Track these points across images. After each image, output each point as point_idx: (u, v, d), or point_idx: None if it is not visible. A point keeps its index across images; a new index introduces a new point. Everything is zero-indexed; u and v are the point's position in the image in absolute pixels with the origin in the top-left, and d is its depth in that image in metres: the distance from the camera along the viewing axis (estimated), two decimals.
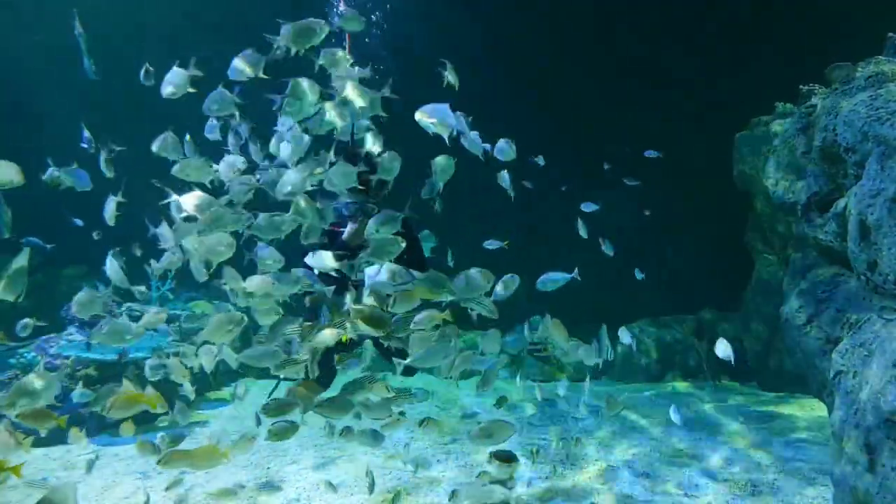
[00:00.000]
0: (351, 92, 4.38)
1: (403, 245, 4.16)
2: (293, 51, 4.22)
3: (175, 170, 4.34)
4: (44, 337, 7.67)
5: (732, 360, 5.60)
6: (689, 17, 10.25)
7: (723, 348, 5.66)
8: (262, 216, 4.19)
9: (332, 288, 4.56)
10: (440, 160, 4.66)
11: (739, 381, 9.55)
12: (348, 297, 4.25)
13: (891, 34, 5.83)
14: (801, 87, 7.03)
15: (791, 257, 6.63)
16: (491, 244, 6.25)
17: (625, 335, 6.36)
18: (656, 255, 10.46)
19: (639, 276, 7.95)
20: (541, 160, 7.46)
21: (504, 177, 5.78)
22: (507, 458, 5.02)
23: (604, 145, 10.25)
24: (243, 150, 4.93)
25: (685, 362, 10.09)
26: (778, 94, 8.55)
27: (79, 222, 6.71)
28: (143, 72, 4.73)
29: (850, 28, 7.93)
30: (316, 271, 4.64)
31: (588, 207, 7.48)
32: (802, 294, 5.71)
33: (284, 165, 4.46)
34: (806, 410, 7.84)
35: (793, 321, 5.76)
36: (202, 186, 4.37)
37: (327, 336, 4.19)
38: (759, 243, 9.42)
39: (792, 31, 9.44)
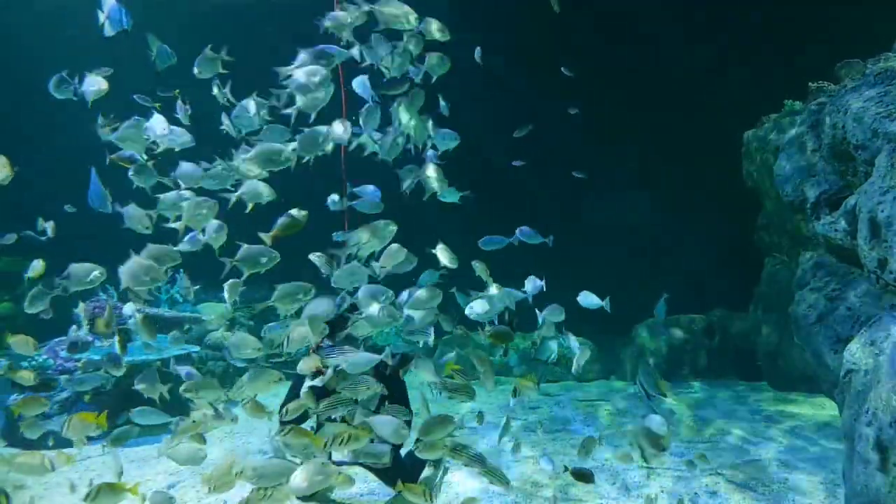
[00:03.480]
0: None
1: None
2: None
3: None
4: (55, 339, 7.72)
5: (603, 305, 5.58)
6: (698, 14, 10.20)
7: (585, 298, 5.65)
8: None
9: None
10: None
11: (750, 380, 9.49)
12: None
13: None
14: (810, 84, 7.00)
15: (800, 256, 6.60)
16: (338, 236, 5.73)
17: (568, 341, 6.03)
18: (666, 255, 10.41)
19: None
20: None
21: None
22: (585, 476, 4.79)
23: (611, 144, 10.25)
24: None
25: (695, 361, 10.04)
26: (787, 92, 8.50)
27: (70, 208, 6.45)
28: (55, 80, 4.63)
29: (859, 25, 7.88)
30: None
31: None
32: (812, 292, 5.69)
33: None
34: (816, 409, 7.80)
35: (803, 320, 5.73)
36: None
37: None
38: (769, 242, 9.37)
39: (800, 28, 9.38)
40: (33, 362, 7.15)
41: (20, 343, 5.00)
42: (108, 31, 4.47)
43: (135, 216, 4.32)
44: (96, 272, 4.26)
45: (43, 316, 4.80)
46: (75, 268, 4.28)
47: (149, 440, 6.45)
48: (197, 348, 8.54)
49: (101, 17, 4.46)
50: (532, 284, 5.64)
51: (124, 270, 4.07)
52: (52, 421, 6.55)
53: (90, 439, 4.55)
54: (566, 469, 4.87)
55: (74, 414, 4.40)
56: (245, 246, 4.16)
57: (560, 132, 9.89)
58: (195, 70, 4.56)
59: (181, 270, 8.55)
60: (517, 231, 5.90)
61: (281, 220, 4.33)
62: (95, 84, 4.43)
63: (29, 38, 10.72)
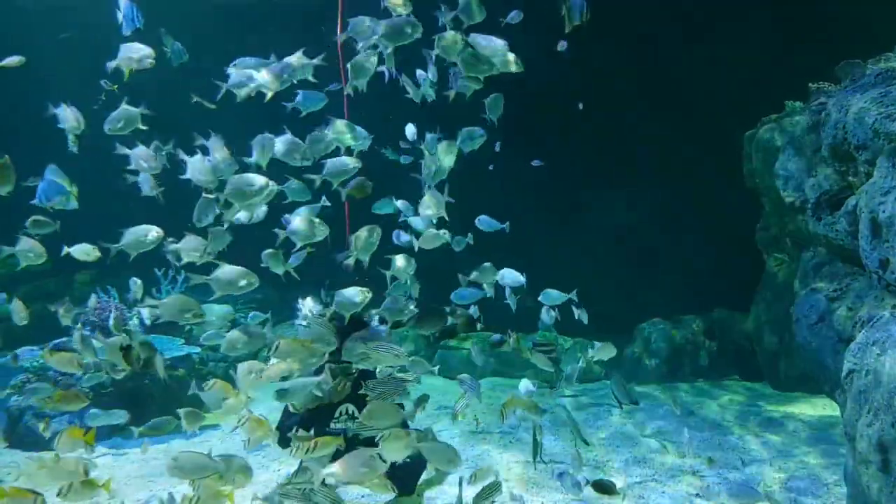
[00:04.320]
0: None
1: None
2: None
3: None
4: (55, 340, 7.69)
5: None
6: (697, 13, 10.19)
7: (548, 295, 5.60)
8: None
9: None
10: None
11: (751, 380, 9.48)
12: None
13: None
14: (810, 84, 6.99)
15: (801, 256, 6.60)
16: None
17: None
18: (667, 255, 10.40)
19: None
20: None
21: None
22: (607, 488, 4.75)
23: (611, 144, 10.25)
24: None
25: (695, 362, 10.03)
26: (787, 92, 8.49)
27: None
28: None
29: (859, 25, 7.88)
30: None
31: None
32: (813, 293, 5.68)
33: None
34: (817, 410, 7.80)
35: (804, 320, 5.73)
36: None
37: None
38: (770, 242, 9.35)
39: (800, 28, 9.38)
40: (34, 364, 7.14)
41: (63, 361, 4.77)
42: (125, 30, 4.47)
43: (192, 247, 4.18)
44: (154, 232, 4.11)
45: (54, 309, 4.73)
46: (132, 231, 4.13)
47: (151, 440, 6.43)
48: (198, 349, 8.53)
49: (119, 16, 4.46)
50: (510, 277, 5.50)
51: (216, 279, 4.05)
52: (55, 422, 6.56)
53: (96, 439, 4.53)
54: (588, 482, 4.77)
55: (64, 430, 4.34)
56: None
57: (560, 132, 9.89)
58: (106, 126, 4.37)
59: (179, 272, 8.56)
60: (476, 221, 5.88)
61: (354, 182, 4.56)
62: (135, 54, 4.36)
63: (28, 38, 10.72)
